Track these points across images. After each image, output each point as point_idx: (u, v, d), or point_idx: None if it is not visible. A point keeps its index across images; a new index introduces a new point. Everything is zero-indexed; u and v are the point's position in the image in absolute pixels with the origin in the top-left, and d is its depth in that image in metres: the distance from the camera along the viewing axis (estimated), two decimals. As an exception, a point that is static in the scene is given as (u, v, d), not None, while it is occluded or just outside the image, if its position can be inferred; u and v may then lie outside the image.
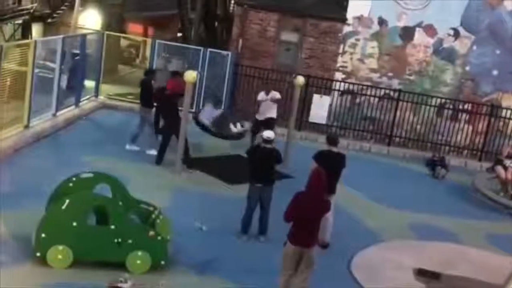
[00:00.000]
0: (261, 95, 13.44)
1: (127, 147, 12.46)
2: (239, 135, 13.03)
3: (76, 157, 11.30)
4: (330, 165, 8.66)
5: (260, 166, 8.73)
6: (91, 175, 7.94)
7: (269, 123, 12.84)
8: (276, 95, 13.38)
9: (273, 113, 13.38)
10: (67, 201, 7.10)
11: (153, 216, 7.91)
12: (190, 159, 11.79)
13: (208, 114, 12.93)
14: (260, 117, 13.40)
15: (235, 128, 12.93)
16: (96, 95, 16.64)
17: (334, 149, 8.87)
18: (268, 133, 8.88)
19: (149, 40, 19.44)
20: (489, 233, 10.84)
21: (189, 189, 10.73)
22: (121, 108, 16.24)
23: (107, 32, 17.57)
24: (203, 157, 12.63)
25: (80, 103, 15.30)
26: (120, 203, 7.60)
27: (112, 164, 10.89)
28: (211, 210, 9.83)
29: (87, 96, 16.09)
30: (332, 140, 8.94)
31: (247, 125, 13.36)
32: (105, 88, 17.39)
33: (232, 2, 31.05)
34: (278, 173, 10.08)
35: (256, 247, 8.70)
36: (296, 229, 6.89)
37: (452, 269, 8.73)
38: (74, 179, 7.77)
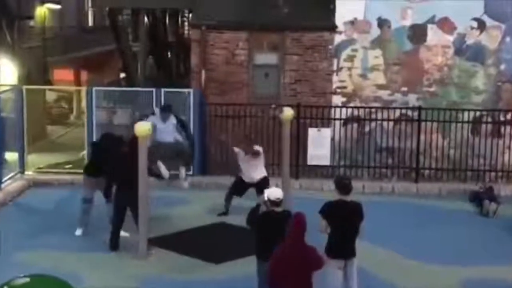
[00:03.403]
0: (240, 154, 13.36)
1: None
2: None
3: (5, 257, 11.11)
4: (343, 220, 8.67)
5: (273, 238, 8.49)
6: (27, 280, 7.76)
7: (263, 184, 12.79)
8: (259, 149, 13.34)
9: (261, 170, 13.38)
10: (0, 320, 6.94)
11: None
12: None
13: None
14: (245, 177, 13.39)
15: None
16: (22, 171, 16.50)
17: (347, 198, 8.84)
18: (275, 193, 8.65)
19: (83, 89, 19.48)
20: None
21: (160, 278, 10.60)
22: (57, 183, 16.10)
23: (27, 86, 17.57)
24: (174, 233, 12.51)
25: (2, 185, 15.16)
26: (72, 311, 7.44)
27: (55, 259, 10.77)
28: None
29: (10, 174, 15.95)
30: (343, 186, 8.90)
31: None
32: (33, 159, 17.27)
33: (186, 24, 31.52)
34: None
35: None
36: None
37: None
38: (6, 288, 7.62)
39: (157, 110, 14.01)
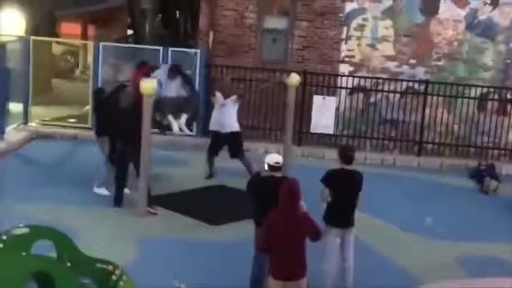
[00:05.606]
0: (218, 99, 13.63)
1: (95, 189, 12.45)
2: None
3: (5, 206, 11.20)
4: (343, 188, 8.71)
5: (270, 204, 8.40)
6: (27, 230, 7.84)
7: (235, 143, 13.22)
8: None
9: (233, 119, 13.57)
10: (-3, 268, 7.01)
11: (114, 277, 7.82)
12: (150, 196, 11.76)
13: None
14: (215, 127, 13.62)
15: None
16: (26, 122, 16.58)
17: (348, 167, 8.87)
18: (274, 157, 8.52)
19: (90, 43, 19.44)
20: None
21: (159, 237, 10.67)
22: (60, 136, 16.20)
23: (35, 38, 17.55)
24: (174, 193, 12.58)
25: (5, 135, 15.23)
26: (69, 264, 7.52)
27: (54, 212, 10.83)
28: (191, 263, 9.76)
29: (14, 124, 16.02)
30: (346, 156, 8.92)
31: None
32: (37, 111, 17.31)
33: (196, -17, 31.31)
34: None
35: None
36: (276, 259, 7.07)
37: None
38: (4, 237, 7.66)
39: (163, 66, 13.82)
